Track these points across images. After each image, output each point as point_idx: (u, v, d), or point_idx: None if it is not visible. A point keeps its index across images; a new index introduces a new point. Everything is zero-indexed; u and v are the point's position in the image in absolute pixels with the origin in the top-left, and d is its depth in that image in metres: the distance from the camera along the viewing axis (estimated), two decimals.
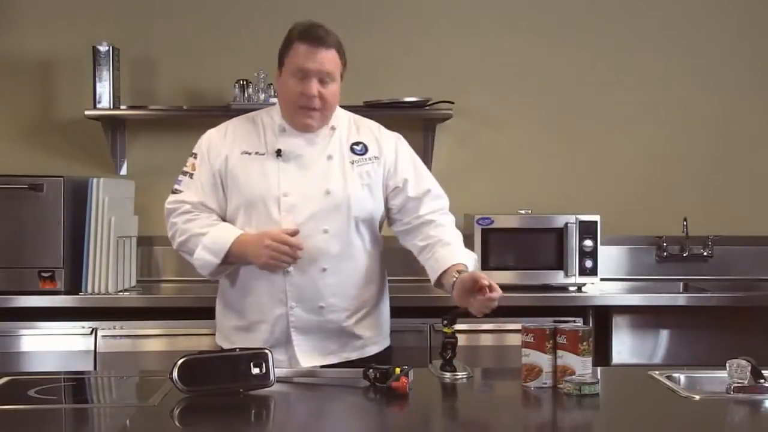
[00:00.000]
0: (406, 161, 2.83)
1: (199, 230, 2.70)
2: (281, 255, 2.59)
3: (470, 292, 2.48)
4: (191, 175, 2.76)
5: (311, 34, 2.65)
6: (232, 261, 2.69)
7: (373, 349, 2.81)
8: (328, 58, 2.65)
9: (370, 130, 2.84)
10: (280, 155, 2.71)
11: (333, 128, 2.77)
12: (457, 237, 2.79)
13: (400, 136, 2.89)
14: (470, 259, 2.71)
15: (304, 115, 2.69)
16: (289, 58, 2.68)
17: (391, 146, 2.82)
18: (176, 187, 2.78)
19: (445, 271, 2.64)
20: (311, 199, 2.68)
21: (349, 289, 2.74)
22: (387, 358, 2.79)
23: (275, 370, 2.22)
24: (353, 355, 2.76)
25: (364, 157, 2.77)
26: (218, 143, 2.76)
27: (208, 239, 2.67)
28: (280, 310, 2.70)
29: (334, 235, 2.69)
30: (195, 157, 2.78)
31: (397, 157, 2.81)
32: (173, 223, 2.75)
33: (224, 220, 2.76)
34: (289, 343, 2.71)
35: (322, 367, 2.65)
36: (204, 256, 2.68)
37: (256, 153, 2.73)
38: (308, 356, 2.71)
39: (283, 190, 2.68)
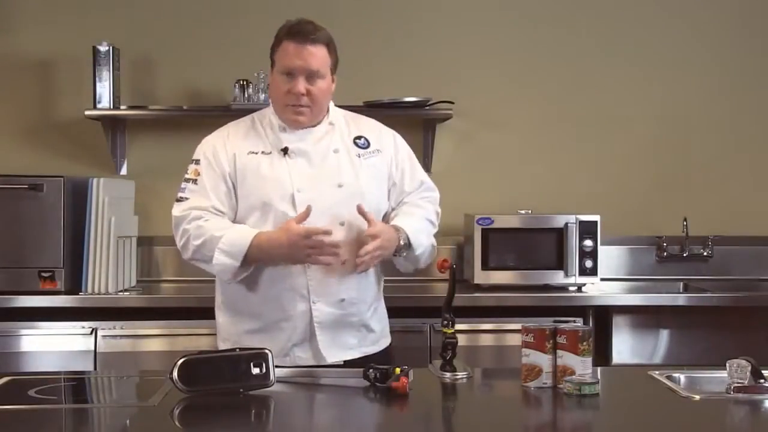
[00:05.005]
0: (404, 155, 2.87)
1: (215, 233, 2.64)
2: (321, 251, 2.57)
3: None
4: (195, 181, 2.72)
5: (298, 31, 2.65)
6: (252, 262, 2.65)
7: (384, 342, 2.83)
8: (315, 55, 2.65)
9: (369, 126, 2.86)
10: (287, 153, 2.70)
11: (332, 124, 2.78)
12: (424, 220, 2.81)
13: (394, 131, 2.91)
14: (418, 232, 2.73)
15: (292, 112, 2.69)
16: (277, 56, 2.69)
17: (390, 140, 2.86)
18: (180, 195, 2.73)
19: None
20: (325, 192, 2.68)
21: (366, 281, 2.76)
22: (391, 354, 2.84)
23: (275, 370, 2.22)
24: (371, 350, 2.77)
25: (368, 150, 2.79)
26: (223, 146, 2.74)
27: (225, 242, 2.62)
28: (303, 306, 2.67)
29: (350, 227, 2.69)
30: (197, 163, 2.74)
31: (397, 152, 2.85)
32: (185, 230, 2.68)
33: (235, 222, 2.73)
34: (312, 339, 2.69)
35: (345, 362, 2.66)
36: (222, 260, 2.62)
37: (263, 152, 2.72)
38: (332, 351, 2.70)
39: (296, 186, 2.67)
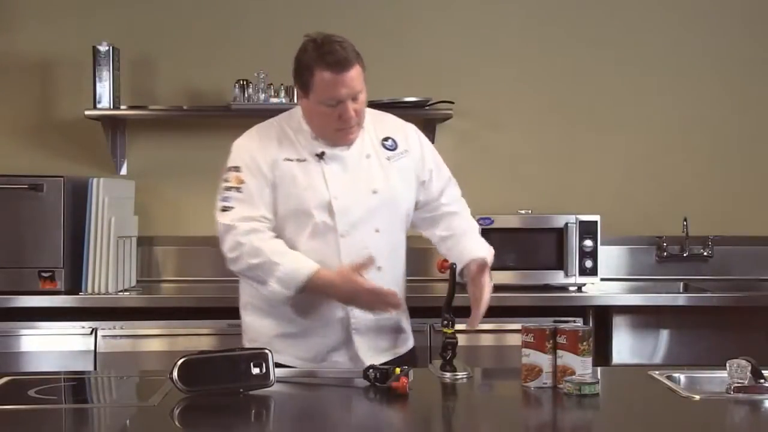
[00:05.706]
0: (429, 152, 2.83)
1: (272, 257, 2.56)
2: (381, 305, 2.55)
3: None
4: (239, 189, 2.62)
5: (333, 58, 2.55)
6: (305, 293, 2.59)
7: (411, 342, 2.82)
8: (355, 78, 2.58)
9: (393, 125, 2.81)
10: (323, 158, 2.65)
11: (362, 127, 2.73)
12: (474, 227, 2.84)
13: (414, 126, 2.87)
14: (487, 251, 2.74)
15: (344, 134, 2.64)
16: (315, 86, 2.58)
17: (415, 138, 2.81)
18: (225, 204, 2.62)
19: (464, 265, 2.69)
20: (360, 199, 2.65)
21: (399, 285, 2.73)
22: (416, 354, 2.84)
23: (275, 370, 2.22)
24: (401, 350, 2.76)
25: (396, 152, 2.74)
26: (260, 151, 2.66)
27: (282, 272, 2.54)
28: (341, 312, 2.64)
29: (384, 234, 2.67)
30: (238, 170, 2.64)
31: (423, 149, 2.81)
32: (239, 243, 2.58)
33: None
34: (349, 344, 2.66)
35: (382, 364, 2.54)
36: (277, 289, 2.56)
37: (297, 159, 2.65)
38: (369, 355, 2.65)
39: (333, 194, 2.62)
